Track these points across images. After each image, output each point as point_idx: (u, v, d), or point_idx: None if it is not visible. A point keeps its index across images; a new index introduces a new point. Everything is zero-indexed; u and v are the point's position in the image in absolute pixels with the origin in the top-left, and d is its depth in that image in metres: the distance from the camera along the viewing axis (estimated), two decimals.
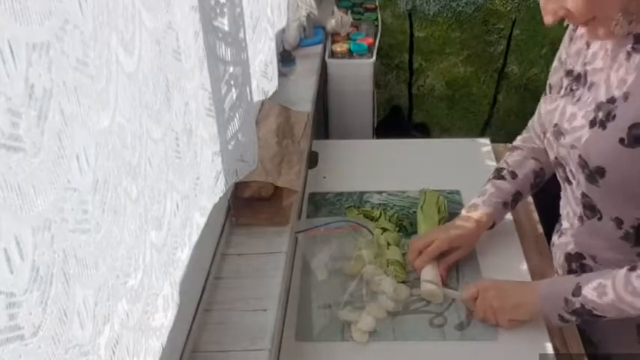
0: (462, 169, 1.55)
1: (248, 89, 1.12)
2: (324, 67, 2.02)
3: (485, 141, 1.68)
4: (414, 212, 1.40)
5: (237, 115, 1.10)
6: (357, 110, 2.14)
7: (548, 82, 1.17)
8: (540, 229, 1.40)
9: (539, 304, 1.07)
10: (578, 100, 1.05)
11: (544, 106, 1.15)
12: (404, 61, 2.81)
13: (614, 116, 0.97)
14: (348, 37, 2.14)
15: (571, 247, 1.13)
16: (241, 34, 1.05)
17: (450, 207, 1.39)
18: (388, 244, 1.28)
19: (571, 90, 1.07)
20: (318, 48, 1.99)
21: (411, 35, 2.75)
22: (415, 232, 1.35)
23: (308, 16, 1.93)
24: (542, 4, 0.96)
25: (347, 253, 1.25)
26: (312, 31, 2.01)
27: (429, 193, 1.41)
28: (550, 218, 1.29)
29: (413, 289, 1.20)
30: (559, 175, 1.14)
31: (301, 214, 1.41)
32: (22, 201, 0.47)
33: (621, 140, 0.95)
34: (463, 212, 1.28)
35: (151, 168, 0.76)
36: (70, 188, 0.54)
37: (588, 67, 1.05)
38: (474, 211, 1.25)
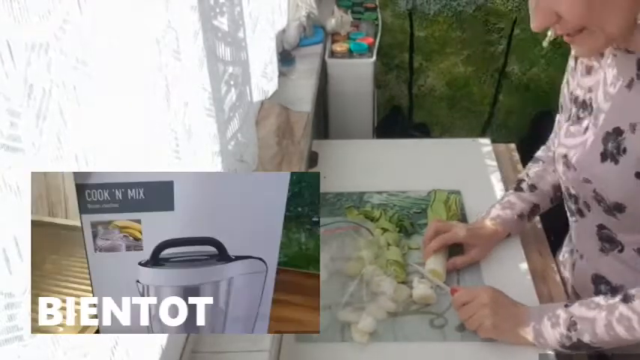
0: (463, 169, 1.55)
1: (248, 89, 1.12)
2: (324, 66, 2.01)
3: (486, 141, 1.68)
4: (415, 213, 1.40)
5: (236, 115, 1.10)
6: (357, 110, 2.14)
7: (559, 101, 1.14)
8: (540, 228, 1.40)
9: (532, 338, 1.04)
10: (586, 129, 1.01)
11: (557, 128, 1.14)
12: (404, 60, 2.81)
13: (625, 149, 0.93)
14: (348, 37, 2.14)
15: (594, 272, 1.10)
16: (241, 34, 1.05)
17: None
18: (388, 244, 1.28)
19: (578, 118, 1.04)
20: (318, 48, 1.99)
21: (412, 35, 2.75)
22: (416, 232, 1.35)
23: (308, 16, 1.93)
24: (531, 7, 0.89)
25: (347, 254, 1.24)
26: (312, 30, 2.01)
27: (438, 192, 1.42)
28: (552, 218, 1.29)
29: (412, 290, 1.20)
30: (569, 206, 1.10)
31: None
32: (21, 201, 0.46)
33: (637, 174, 0.91)
34: (481, 219, 1.28)
35: (150, 168, 0.76)
36: None
37: (592, 94, 1.01)
38: (492, 221, 1.26)
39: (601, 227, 1.03)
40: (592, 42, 0.89)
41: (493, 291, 1.11)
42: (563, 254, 1.25)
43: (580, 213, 1.07)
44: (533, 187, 1.26)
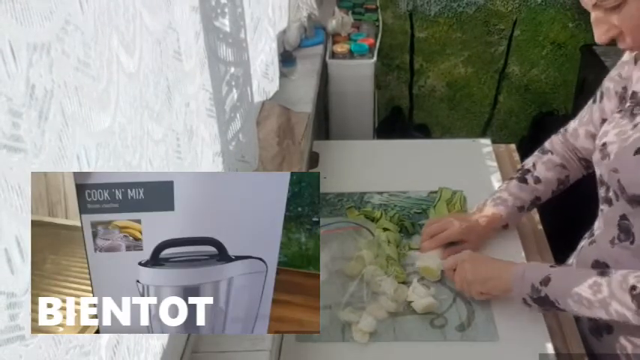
0: (463, 169, 1.55)
1: (249, 90, 1.12)
2: (324, 67, 2.02)
3: (486, 141, 1.68)
4: (416, 213, 1.40)
5: (238, 115, 1.10)
6: (357, 111, 2.14)
7: (600, 89, 1.15)
8: (541, 228, 1.40)
9: (510, 282, 1.08)
10: (635, 126, 1.03)
11: (590, 114, 1.17)
12: (405, 61, 2.81)
13: None
14: (348, 38, 2.14)
15: (597, 259, 1.12)
16: (242, 35, 1.05)
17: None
18: (389, 241, 1.28)
19: (631, 114, 1.06)
20: (319, 48, 1.99)
21: (412, 36, 2.75)
22: (417, 232, 1.35)
23: (309, 17, 1.93)
24: (592, 21, 0.96)
25: (347, 254, 1.25)
26: (313, 31, 2.01)
27: (444, 190, 1.42)
28: (553, 218, 1.29)
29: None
30: (600, 194, 1.12)
31: None
32: (23, 201, 0.47)
33: None
34: (480, 209, 1.29)
35: (151, 168, 0.76)
36: None
37: None
38: (489, 209, 1.27)
39: (623, 217, 1.05)
40: None
41: (472, 252, 1.19)
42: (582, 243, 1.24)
43: (609, 202, 1.09)
44: (537, 180, 1.27)
